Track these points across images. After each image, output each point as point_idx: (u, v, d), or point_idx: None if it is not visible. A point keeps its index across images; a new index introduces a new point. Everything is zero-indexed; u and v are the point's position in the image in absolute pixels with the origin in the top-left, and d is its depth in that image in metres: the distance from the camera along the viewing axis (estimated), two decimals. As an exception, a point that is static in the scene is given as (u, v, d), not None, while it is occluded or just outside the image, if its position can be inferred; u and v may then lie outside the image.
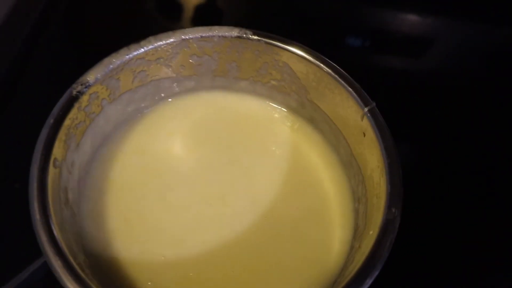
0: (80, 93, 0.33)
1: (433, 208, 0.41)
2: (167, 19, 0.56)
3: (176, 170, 0.38)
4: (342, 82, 0.35)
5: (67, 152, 0.33)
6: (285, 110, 0.42)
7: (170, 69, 0.39)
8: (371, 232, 0.30)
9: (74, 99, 0.33)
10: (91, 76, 0.34)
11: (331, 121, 0.38)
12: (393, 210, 0.29)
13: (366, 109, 0.34)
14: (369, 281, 0.27)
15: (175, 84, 0.41)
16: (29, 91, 0.46)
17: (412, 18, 0.59)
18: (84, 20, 0.54)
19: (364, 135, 0.34)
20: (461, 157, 0.46)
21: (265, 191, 0.37)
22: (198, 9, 0.56)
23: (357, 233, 0.34)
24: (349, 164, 0.38)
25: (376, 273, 0.27)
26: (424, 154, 0.47)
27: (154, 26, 0.53)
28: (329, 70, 0.35)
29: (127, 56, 0.35)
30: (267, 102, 0.42)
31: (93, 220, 0.35)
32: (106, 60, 0.35)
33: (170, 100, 0.41)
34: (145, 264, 0.33)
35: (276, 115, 0.42)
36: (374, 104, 0.34)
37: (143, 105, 0.40)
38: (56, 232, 0.27)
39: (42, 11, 0.51)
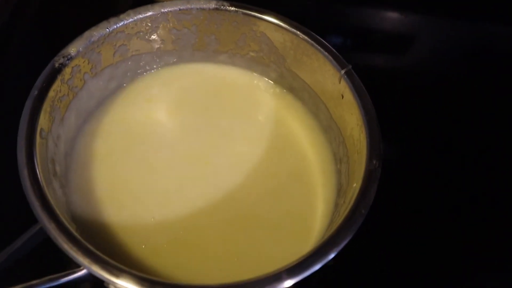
0: (63, 65, 0.33)
1: (417, 205, 0.43)
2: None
3: (158, 135, 0.38)
4: (318, 47, 0.36)
5: (52, 124, 0.33)
6: (265, 79, 0.43)
7: (150, 43, 0.39)
8: (354, 185, 0.32)
9: (57, 71, 0.33)
10: (73, 48, 0.34)
11: (310, 88, 0.40)
12: (374, 161, 0.31)
13: (342, 72, 0.35)
14: (355, 227, 0.28)
15: (156, 59, 0.41)
16: (12, 68, 0.45)
17: (392, 15, 0.60)
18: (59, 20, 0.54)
19: (343, 97, 0.36)
20: (445, 153, 0.47)
21: (246, 151, 0.38)
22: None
23: (341, 191, 0.36)
24: (329, 128, 0.39)
25: (361, 219, 0.29)
26: (408, 151, 0.48)
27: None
28: (305, 37, 0.37)
29: (107, 30, 0.36)
30: (247, 71, 0.43)
31: (81, 192, 0.35)
32: (86, 33, 0.35)
33: (150, 72, 0.42)
34: (136, 228, 0.34)
35: (256, 83, 0.43)
36: (350, 66, 0.35)
37: (124, 82, 0.41)
38: (48, 196, 0.28)
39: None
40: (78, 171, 0.36)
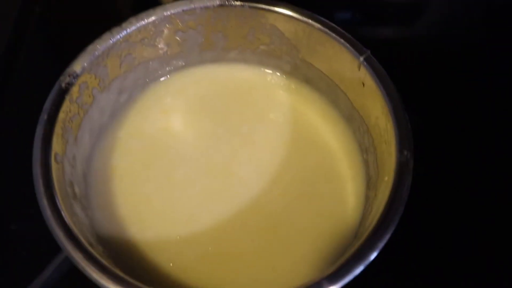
0: (70, 84, 0.32)
1: (432, 177, 0.40)
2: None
3: (176, 148, 0.37)
4: (333, 34, 0.34)
5: (67, 146, 0.32)
6: (278, 74, 0.41)
7: (156, 48, 0.38)
8: (386, 178, 0.30)
9: (64, 92, 0.32)
10: (78, 65, 0.33)
11: (327, 77, 0.38)
12: (405, 152, 0.29)
13: (361, 58, 0.33)
14: (393, 225, 0.27)
15: (164, 65, 0.40)
16: (18, 92, 0.45)
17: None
18: (59, 23, 0.53)
19: (364, 85, 0.34)
20: (460, 125, 0.45)
21: (269, 156, 0.37)
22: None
23: (370, 183, 0.34)
24: (351, 117, 0.37)
25: (398, 217, 0.27)
26: (424, 124, 0.45)
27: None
28: (318, 25, 0.35)
29: (111, 41, 0.34)
30: (260, 68, 0.41)
31: (103, 210, 0.34)
32: (90, 47, 0.34)
33: (161, 80, 0.40)
34: (162, 246, 0.33)
35: (270, 80, 0.41)
36: (369, 51, 0.33)
37: (135, 93, 0.40)
38: (70, 225, 0.27)
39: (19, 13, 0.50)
40: (98, 189, 0.35)
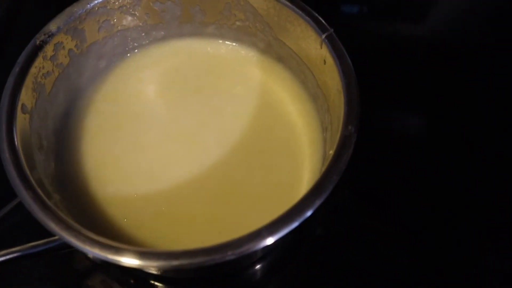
0: (44, 42, 0.34)
1: (437, 172, 0.42)
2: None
3: (147, 114, 0.39)
4: (299, 12, 0.35)
5: (37, 100, 0.34)
6: (253, 51, 0.42)
7: (135, 17, 0.39)
8: (330, 152, 0.31)
9: (38, 48, 0.34)
10: (54, 25, 0.35)
11: (296, 55, 0.39)
12: (350, 127, 0.30)
13: (323, 36, 0.34)
14: (327, 191, 0.28)
15: (143, 35, 0.41)
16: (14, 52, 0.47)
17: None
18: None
19: (325, 62, 0.35)
20: (468, 124, 0.45)
21: (234, 127, 0.38)
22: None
23: (325, 160, 0.35)
24: (316, 96, 0.38)
25: (332, 185, 0.28)
26: (431, 121, 0.46)
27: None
28: (286, 2, 0.36)
29: (89, 5, 0.36)
30: (236, 44, 0.42)
31: (71, 165, 0.36)
32: (67, 10, 0.35)
33: (139, 50, 0.42)
34: (120, 202, 0.34)
35: (244, 57, 0.42)
36: (331, 30, 0.34)
37: (114, 60, 0.41)
38: (25, 169, 0.29)
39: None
40: (69, 145, 0.37)
